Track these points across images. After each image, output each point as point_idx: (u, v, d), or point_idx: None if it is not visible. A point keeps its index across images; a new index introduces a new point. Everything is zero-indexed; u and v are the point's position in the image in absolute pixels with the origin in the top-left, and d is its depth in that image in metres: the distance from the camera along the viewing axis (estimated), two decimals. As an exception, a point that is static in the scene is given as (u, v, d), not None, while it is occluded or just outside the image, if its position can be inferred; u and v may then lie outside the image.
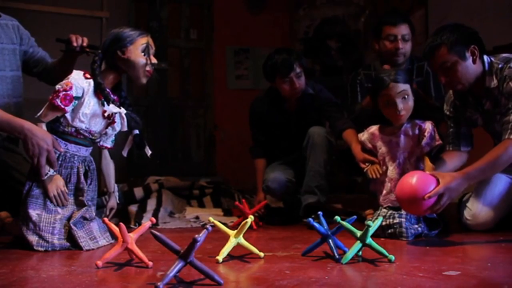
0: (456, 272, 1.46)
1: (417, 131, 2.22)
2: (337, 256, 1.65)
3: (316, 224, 1.74)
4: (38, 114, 1.96)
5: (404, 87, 2.16)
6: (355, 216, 1.80)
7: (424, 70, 2.77)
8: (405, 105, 2.17)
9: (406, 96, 2.16)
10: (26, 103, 2.38)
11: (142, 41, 2.07)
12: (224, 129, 5.22)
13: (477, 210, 2.26)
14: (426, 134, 2.19)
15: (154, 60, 2.10)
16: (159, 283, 1.28)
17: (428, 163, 2.19)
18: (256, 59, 5.34)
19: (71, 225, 1.93)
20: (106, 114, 2.05)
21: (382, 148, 2.29)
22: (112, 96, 2.04)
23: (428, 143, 2.18)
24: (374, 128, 2.34)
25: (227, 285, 1.37)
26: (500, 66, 2.12)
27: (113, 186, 2.25)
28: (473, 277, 1.41)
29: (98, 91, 2.01)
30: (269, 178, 2.79)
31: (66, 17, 3.66)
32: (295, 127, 2.88)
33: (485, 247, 1.99)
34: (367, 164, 2.35)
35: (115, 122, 2.10)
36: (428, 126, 2.21)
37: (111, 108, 2.02)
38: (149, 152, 2.17)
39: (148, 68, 2.08)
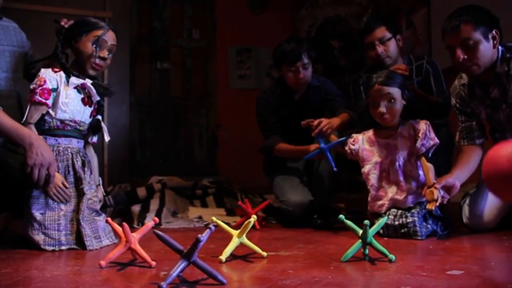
0: (460, 272, 1.45)
1: (412, 132, 2.21)
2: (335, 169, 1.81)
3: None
4: (24, 118, 1.98)
5: (391, 90, 2.17)
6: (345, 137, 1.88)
7: (423, 68, 2.75)
8: (390, 108, 2.18)
9: (392, 100, 2.18)
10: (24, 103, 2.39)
11: (96, 33, 2.07)
12: (226, 129, 5.22)
13: (477, 211, 2.25)
14: (420, 135, 2.18)
15: (103, 54, 2.09)
16: (162, 283, 1.28)
17: (425, 164, 2.18)
18: (259, 59, 5.35)
19: (80, 220, 1.94)
20: (86, 101, 2.08)
21: (379, 153, 2.26)
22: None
23: (423, 144, 2.17)
24: (370, 133, 2.31)
25: (230, 284, 1.37)
26: (508, 55, 2.10)
27: (97, 179, 2.26)
28: (477, 276, 1.41)
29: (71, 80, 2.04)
30: (292, 202, 2.63)
31: (68, 18, 3.64)
32: (300, 119, 2.70)
33: (488, 246, 1.99)
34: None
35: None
36: (422, 126, 2.19)
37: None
38: (107, 138, 2.20)
39: (96, 60, 2.07)
